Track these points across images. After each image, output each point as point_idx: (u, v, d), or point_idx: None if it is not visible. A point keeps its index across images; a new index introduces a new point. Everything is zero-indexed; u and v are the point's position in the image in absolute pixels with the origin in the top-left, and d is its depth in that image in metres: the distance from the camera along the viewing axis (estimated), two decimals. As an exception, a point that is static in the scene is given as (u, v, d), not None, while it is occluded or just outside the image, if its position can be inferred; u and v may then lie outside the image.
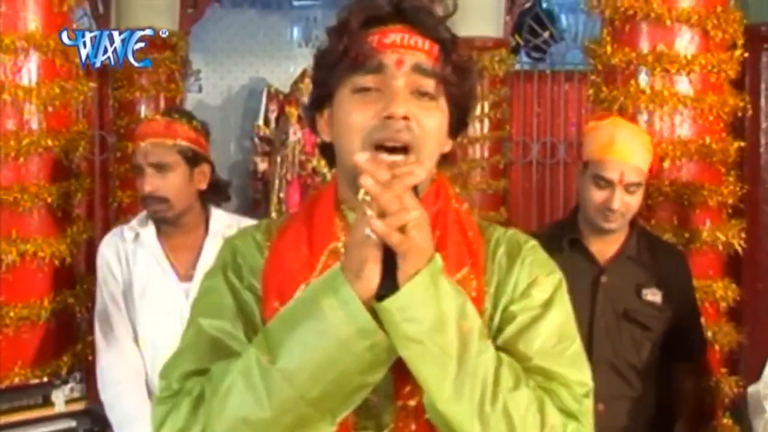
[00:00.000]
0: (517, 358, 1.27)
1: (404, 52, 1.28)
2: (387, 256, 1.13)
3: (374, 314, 1.13)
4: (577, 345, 1.35)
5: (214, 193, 2.86)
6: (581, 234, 2.64)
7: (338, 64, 1.30)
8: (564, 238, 2.63)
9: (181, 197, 2.71)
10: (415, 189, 1.15)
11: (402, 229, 1.11)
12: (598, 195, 2.55)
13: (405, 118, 1.24)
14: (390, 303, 1.12)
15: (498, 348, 1.25)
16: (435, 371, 1.15)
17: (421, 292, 1.13)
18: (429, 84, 1.29)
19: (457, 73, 1.33)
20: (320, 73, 1.35)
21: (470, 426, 1.16)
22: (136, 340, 2.77)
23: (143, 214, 2.83)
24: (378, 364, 1.16)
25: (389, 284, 1.13)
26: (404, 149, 1.23)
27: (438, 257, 1.16)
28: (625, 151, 2.54)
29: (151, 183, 2.67)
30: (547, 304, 1.33)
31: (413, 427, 1.25)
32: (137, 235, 2.78)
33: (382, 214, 1.10)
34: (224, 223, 2.78)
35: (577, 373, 1.33)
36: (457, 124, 1.38)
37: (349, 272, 1.14)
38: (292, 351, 1.15)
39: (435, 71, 1.29)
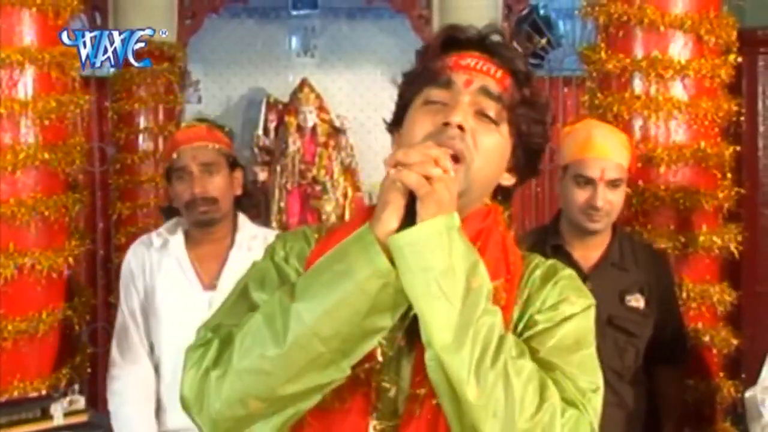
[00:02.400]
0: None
1: (475, 75, 1.35)
2: (412, 207, 1.18)
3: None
4: (591, 352, 1.34)
5: (247, 199, 2.95)
6: (564, 240, 2.63)
7: (417, 79, 1.39)
8: (547, 245, 2.62)
9: (226, 199, 2.77)
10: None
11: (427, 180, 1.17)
12: (580, 195, 2.55)
13: (460, 127, 1.28)
14: (400, 237, 1.16)
15: None
16: (437, 315, 1.17)
17: (432, 235, 1.16)
18: (493, 107, 1.33)
19: (525, 105, 1.37)
20: (402, 89, 1.43)
21: (466, 380, 1.16)
22: (151, 352, 2.81)
23: (173, 221, 2.87)
24: (388, 306, 1.19)
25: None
26: (455, 158, 1.25)
27: (456, 216, 1.19)
28: (603, 148, 2.56)
29: (201, 184, 2.70)
30: (571, 316, 1.33)
31: (418, 411, 1.27)
32: (165, 242, 2.81)
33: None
34: (250, 234, 2.82)
35: (585, 375, 1.30)
36: (524, 165, 1.41)
37: (375, 218, 1.20)
38: (313, 291, 1.21)
39: (501, 96, 1.34)
